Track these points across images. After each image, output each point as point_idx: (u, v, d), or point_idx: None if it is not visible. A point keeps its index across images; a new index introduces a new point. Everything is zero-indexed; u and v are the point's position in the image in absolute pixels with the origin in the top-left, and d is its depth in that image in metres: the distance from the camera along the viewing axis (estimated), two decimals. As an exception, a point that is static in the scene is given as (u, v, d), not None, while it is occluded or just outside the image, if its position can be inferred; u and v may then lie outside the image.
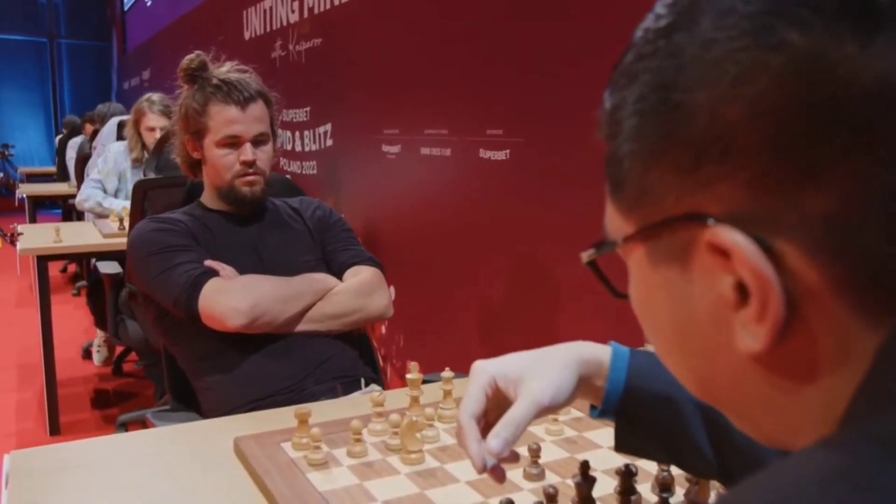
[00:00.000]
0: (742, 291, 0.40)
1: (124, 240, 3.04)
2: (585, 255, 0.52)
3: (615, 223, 0.48)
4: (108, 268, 3.08)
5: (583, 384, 0.77)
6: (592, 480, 0.85)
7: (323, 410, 1.25)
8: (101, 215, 3.70)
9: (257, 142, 1.68)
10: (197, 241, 1.66)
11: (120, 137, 4.03)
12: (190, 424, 1.34)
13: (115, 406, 3.60)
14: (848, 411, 0.40)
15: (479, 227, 2.38)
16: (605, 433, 1.19)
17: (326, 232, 1.81)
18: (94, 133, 5.00)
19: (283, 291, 1.58)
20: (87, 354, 4.18)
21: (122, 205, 3.50)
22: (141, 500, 1.02)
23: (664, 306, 0.46)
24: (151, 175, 2.84)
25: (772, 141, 0.38)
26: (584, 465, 0.90)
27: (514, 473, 1.04)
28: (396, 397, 1.31)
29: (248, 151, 1.66)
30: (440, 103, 2.58)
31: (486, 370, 0.77)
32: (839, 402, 0.40)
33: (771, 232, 0.39)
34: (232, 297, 1.52)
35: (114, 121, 4.31)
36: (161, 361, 3.31)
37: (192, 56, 1.70)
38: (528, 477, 1.03)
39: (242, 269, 1.63)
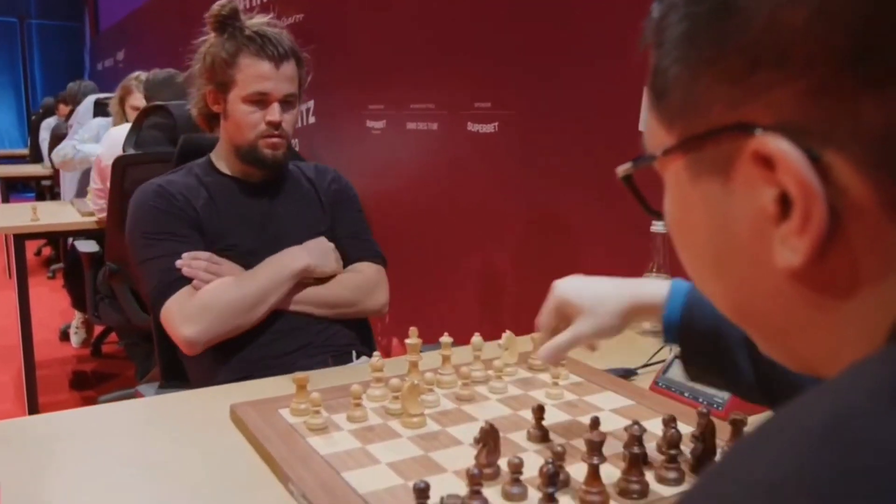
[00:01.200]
0: (784, 205, 0.39)
1: (103, 216, 2.99)
2: (621, 170, 0.51)
3: (655, 136, 0.46)
4: (87, 247, 3.03)
5: (644, 320, 0.99)
6: (603, 435, 0.84)
7: (318, 379, 1.24)
8: (77, 167, 3.70)
9: (285, 103, 1.58)
10: (198, 217, 1.58)
11: (97, 115, 3.96)
12: (182, 393, 1.31)
13: (94, 387, 3.56)
14: (894, 330, 0.38)
15: (467, 201, 2.36)
16: (604, 397, 1.18)
17: (338, 209, 1.73)
18: (70, 113, 4.92)
19: (245, 301, 1.50)
20: (64, 336, 4.13)
21: (98, 150, 3.47)
22: (134, 467, 1.00)
23: (702, 223, 0.45)
24: (131, 151, 2.79)
25: (835, 48, 0.36)
26: (595, 421, 0.89)
27: (518, 436, 1.03)
28: (393, 365, 1.30)
29: (275, 111, 1.56)
30: (426, 77, 2.55)
31: (556, 294, 0.99)
32: (883, 323, 0.39)
33: (821, 143, 0.37)
34: (184, 326, 1.46)
35: (90, 98, 4.24)
36: (142, 341, 3.28)
37: (222, 2, 1.58)
38: (532, 438, 1.02)
39: (244, 244, 1.59)
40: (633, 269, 1.64)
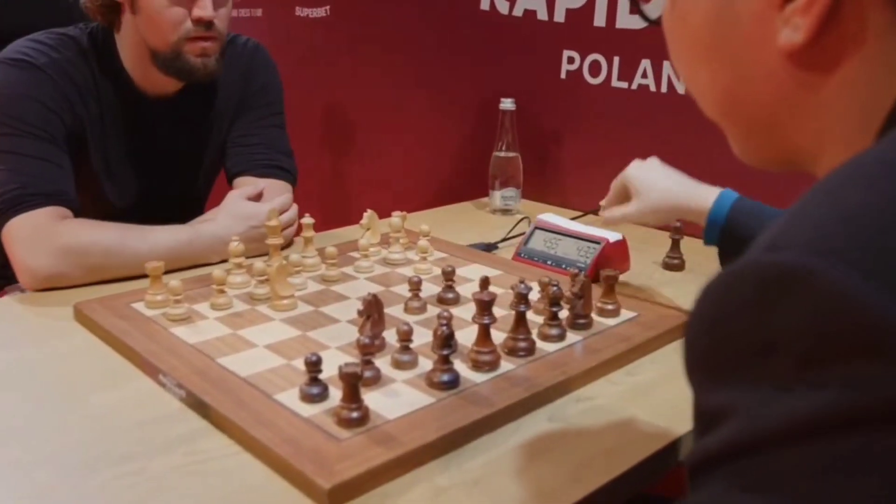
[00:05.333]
0: None
1: None
2: None
3: None
4: None
5: (687, 218, 1.04)
6: (494, 295, 0.83)
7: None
8: None
9: None
10: (82, 128, 1.23)
11: None
12: (5, 299, 1.17)
13: None
14: (889, 119, 0.41)
15: (301, 94, 2.25)
16: (472, 269, 1.18)
17: (244, 105, 1.39)
18: None
19: (130, 264, 1.12)
20: None
21: None
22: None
23: (705, 11, 0.47)
24: None
25: None
26: (485, 280, 0.89)
27: (395, 310, 1.01)
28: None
29: (206, 4, 1.19)
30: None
31: (625, 171, 1.11)
32: (877, 112, 0.41)
33: None
34: (38, 257, 1.11)
35: None
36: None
37: None
38: (411, 311, 1.00)
39: (118, 163, 1.29)
40: (481, 147, 1.64)
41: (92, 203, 1.25)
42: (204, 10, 1.19)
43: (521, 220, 1.44)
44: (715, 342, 0.34)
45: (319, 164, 2.17)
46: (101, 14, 1.24)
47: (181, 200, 1.38)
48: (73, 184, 1.20)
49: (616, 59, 1.53)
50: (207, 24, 1.21)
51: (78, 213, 1.18)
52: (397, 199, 1.26)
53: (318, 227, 1.21)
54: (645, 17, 0.57)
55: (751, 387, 0.32)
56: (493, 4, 1.69)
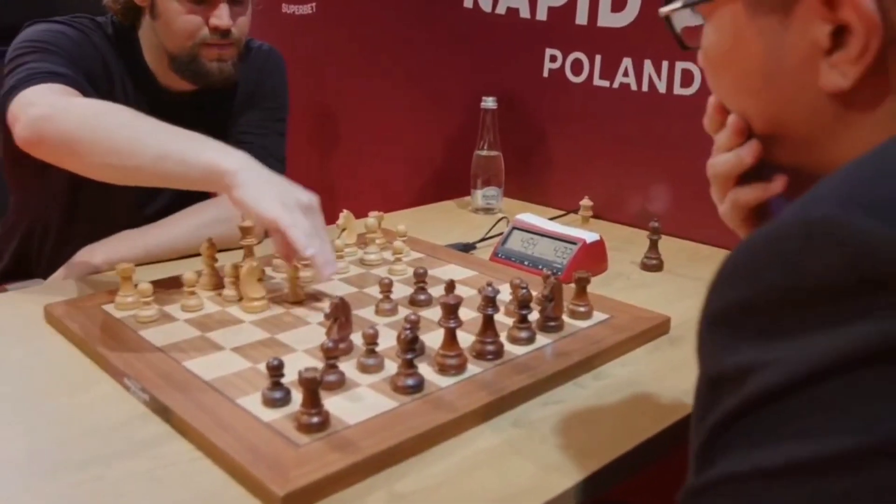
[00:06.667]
0: (836, 38, 0.45)
1: None
2: (665, 10, 0.57)
3: None
4: None
5: None
6: (459, 298, 0.83)
7: (142, 273, 1.14)
8: None
9: (235, 2, 1.22)
10: (96, 83, 1.21)
11: None
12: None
13: None
14: None
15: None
16: (448, 269, 1.18)
17: (253, 103, 1.39)
18: None
19: (126, 145, 0.99)
20: None
21: None
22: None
23: (754, 55, 0.51)
24: None
25: None
26: (451, 284, 0.88)
27: (366, 312, 1.01)
28: (228, 254, 1.22)
29: (223, 14, 1.19)
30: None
31: None
32: None
33: None
34: (41, 108, 1.04)
35: None
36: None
37: None
38: (382, 312, 1.00)
39: None
40: (463, 145, 1.63)
41: (110, 196, 1.22)
42: (220, 19, 1.19)
43: (500, 219, 1.44)
44: (748, 295, 0.36)
45: (304, 162, 2.17)
46: (122, 14, 1.26)
47: (200, 196, 1.34)
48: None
49: (598, 58, 1.52)
50: (224, 32, 1.21)
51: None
52: (380, 198, 1.26)
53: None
54: (686, 47, 0.60)
55: (785, 337, 0.34)
56: (475, 2, 1.69)
